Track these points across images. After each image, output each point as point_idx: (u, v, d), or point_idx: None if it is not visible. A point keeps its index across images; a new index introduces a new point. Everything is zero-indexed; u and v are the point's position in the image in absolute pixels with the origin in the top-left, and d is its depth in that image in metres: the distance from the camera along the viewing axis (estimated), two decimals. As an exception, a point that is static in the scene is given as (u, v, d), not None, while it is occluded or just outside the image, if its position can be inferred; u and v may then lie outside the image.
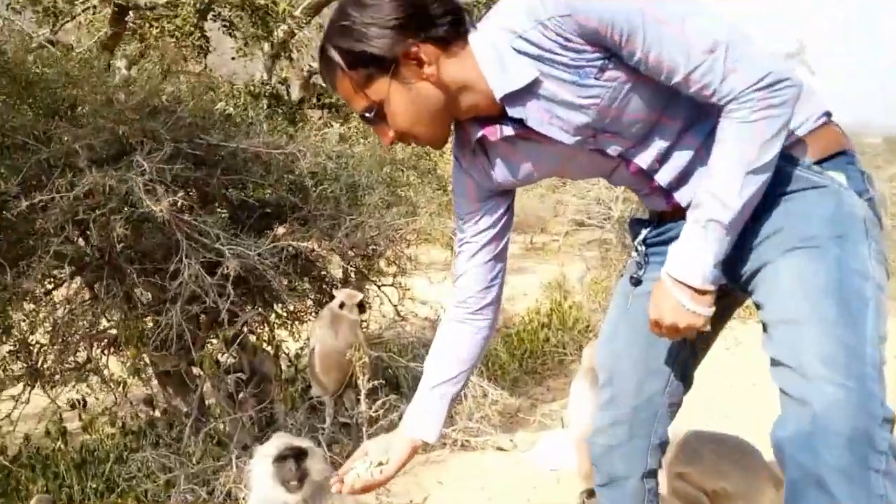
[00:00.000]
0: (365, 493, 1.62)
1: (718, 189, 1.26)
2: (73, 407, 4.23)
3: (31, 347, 3.62)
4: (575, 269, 7.22)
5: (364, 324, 4.27)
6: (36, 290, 3.34)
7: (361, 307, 3.68)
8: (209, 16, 4.90)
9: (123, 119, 2.75)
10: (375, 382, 3.54)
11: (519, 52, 1.29)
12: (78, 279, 3.56)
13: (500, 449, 3.79)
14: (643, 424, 1.61)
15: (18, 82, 2.68)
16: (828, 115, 1.39)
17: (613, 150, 1.39)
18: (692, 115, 1.35)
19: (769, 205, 1.32)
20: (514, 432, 4.10)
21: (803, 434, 1.23)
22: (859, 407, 1.20)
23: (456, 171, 1.57)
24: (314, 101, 5.83)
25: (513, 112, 1.35)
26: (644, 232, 1.56)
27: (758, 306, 1.37)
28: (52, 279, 3.56)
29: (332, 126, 5.36)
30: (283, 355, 4.31)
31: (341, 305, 3.54)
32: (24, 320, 3.58)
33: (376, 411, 3.51)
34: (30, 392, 3.77)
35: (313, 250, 3.81)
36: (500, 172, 1.50)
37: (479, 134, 1.42)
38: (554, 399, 4.93)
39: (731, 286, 1.42)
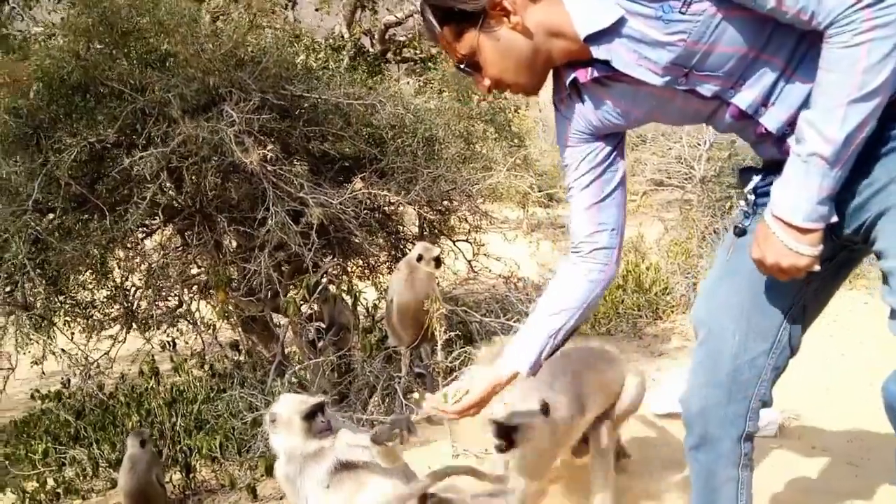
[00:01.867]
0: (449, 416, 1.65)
1: (819, 121, 1.18)
2: (163, 348, 4.48)
3: (127, 292, 3.84)
4: (653, 231, 7.00)
5: (437, 279, 4.30)
6: (132, 237, 3.51)
7: (438, 262, 3.70)
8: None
9: (212, 69, 2.81)
10: (452, 334, 3.57)
11: None
12: (170, 227, 3.73)
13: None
14: (744, 386, 1.54)
15: (115, 31, 2.77)
16: None
17: (707, 90, 1.33)
18: (801, 53, 1.26)
19: (891, 149, 1.23)
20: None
21: None
22: None
23: (557, 119, 1.58)
24: (392, 54, 5.81)
25: (597, 53, 1.35)
26: (755, 179, 1.47)
27: (878, 256, 1.29)
28: (144, 227, 3.74)
29: (409, 82, 5.34)
30: (361, 306, 4.40)
31: (419, 258, 3.55)
32: (117, 267, 3.80)
33: (451, 362, 3.55)
34: (126, 333, 4.01)
35: (391, 203, 3.83)
36: (593, 115, 1.49)
37: (572, 76, 1.43)
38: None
39: (851, 237, 1.34)
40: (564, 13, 1.34)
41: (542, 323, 1.62)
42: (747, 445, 1.59)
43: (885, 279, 1.26)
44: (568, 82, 1.44)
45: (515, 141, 5.68)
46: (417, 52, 5.84)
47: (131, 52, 2.90)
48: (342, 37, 5.15)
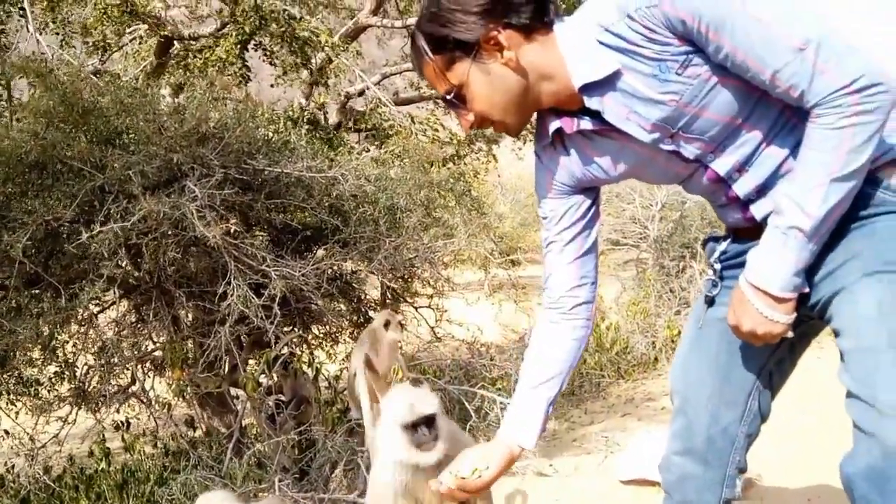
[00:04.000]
0: (460, 496, 1.59)
1: (800, 196, 1.21)
2: (117, 428, 4.30)
3: (76, 369, 3.70)
4: (611, 290, 7.13)
5: (400, 346, 4.28)
6: (85, 312, 3.42)
7: (401, 326, 3.68)
8: (250, 45, 5.04)
9: (174, 146, 2.82)
10: (416, 405, 3.52)
11: (603, 44, 1.29)
12: (125, 302, 3.64)
13: (541, 474, 3.73)
14: (719, 454, 1.56)
15: (75, 111, 2.77)
16: None
17: (690, 152, 1.36)
18: (780, 125, 1.31)
19: (849, 228, 1.28)
20: (553, 457, 4.04)
21: (874, 472, 1.18)
22: None
23: (537, 168, 1.57)
24: (351, 125, 5.92)
25: (590, 103, 1.35)
26: (719, 249, 1.52)
27: (835, 333, 1.32)
28: (97, 301, 3.64)
29: (368, 150, 5.44)
30: (322, 377, 4.33)
31: (386, 325, 3.54)
32: (67, 342, 3.67)
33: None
34: (76, 413, 3.84)
35: (354, 272, 3.84)
36: (577, 168, 1.49)
37: (556, 125, 1.43)
38: (592, 422, 4.86)
39: (807, 312, 1.36)
40: (559, 57, 1.34)
41: (538, 393, 1.60)
42: None
43: (841, 357, 1.29)
44: (552, 131, 1.44)
45: (475, 205, 5.80)
46: (371, 123, 5.98)
47: (91, 131, 2.89)
48: (301, 108, 5.24)
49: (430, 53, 1.38)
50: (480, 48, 1.34)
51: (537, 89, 1.38)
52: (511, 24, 1.33)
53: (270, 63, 5.18)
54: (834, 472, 1.27)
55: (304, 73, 5.18)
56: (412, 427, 1.86)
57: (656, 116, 1.32)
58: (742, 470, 1.60)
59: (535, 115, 1.52)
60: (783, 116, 1.30)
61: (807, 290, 1.30)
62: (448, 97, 1.41)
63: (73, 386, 3.68)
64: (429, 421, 1.87)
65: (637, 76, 1.29)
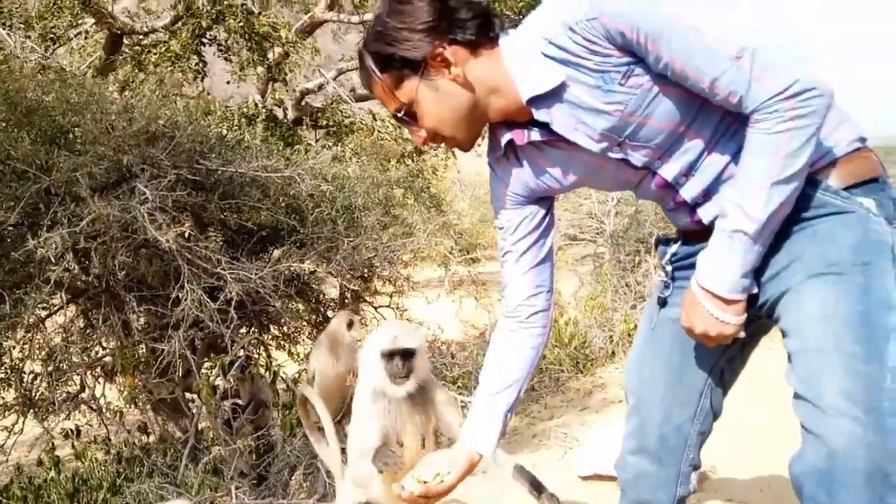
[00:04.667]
0: (423, 502, 1.61)
1: (743, 200, 1.25)
2: (66, 437, 4.16)
3: (24, 375, 3.58)
4: (569, 285, 7.21)
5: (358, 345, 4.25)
6: (31, 318, 3.29)
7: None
8: (205, 39, 4.91)
9: (123, 146, 2.73)
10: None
11: (548, 56, 1.32)
12: (73, 306, 3.52)
13: (502, 471, 3.76)
14: (672, 452, 1.60)
15: (18, 110, 2.66)
16: (862, 140, 1.36)
17: (638, 160, 1.39)
18: (721, 131, 1.34)
19: (792, 231, 1.31)
20: (513, 453, 4.07)
21: (820, 471, 1.22)
22: (876, 443, 1.18)
23: (492, 180, 1.59)
24: (308, 121, 5.83)
25: (538, 115, 1.38)
26: (669, 251, 1.56)
27: (783, 334, 1.36)
28: (45, 304, 3.51)
29: (329, 148, 5.36)
30: (280, 380, 4.27)
31: (350, 324, 3.50)
32: (14, 348, 3.54)
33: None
34: (23, 422, 3.71)
35: (313, 272, 3.79)
36: (529, 178, 1.52)
37: (508, 137, 1.45)
38: (551, 417, 4.91)
39: (756, 312, 1.40)
40: (504, 71, 1.37)
41: (496, 401, 1.65)
42: None
43: (788, 358, 1.33)
44: (504, 143, 1.46)
45: (434, 203, 5.79)
46: (332, 120, 5.91)
47: (35, 130, 2.77)
48: (256, 105, 5.14)
49: (378, 72, 1.39)
50: (427, 65, 1.36)
51: (485, 103, 1.41)
52: (456, 40, 1.35)
53: (226, 59, 5.06)
54: (785, 465, 1.31)
55: (261, 69, 5.08)
56: (389, 356, 1.91)
57: (602, 126, 1.35)
58: (696, 467, 1.64)
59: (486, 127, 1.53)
60: (724, 122, 1.33)
61: (755, 291, 1.34)
62: (399, 115, 1.43)
63: (19, 394, 3.55)
64: (406, 354, 1.92)
65: (582, 87, 1.32)
